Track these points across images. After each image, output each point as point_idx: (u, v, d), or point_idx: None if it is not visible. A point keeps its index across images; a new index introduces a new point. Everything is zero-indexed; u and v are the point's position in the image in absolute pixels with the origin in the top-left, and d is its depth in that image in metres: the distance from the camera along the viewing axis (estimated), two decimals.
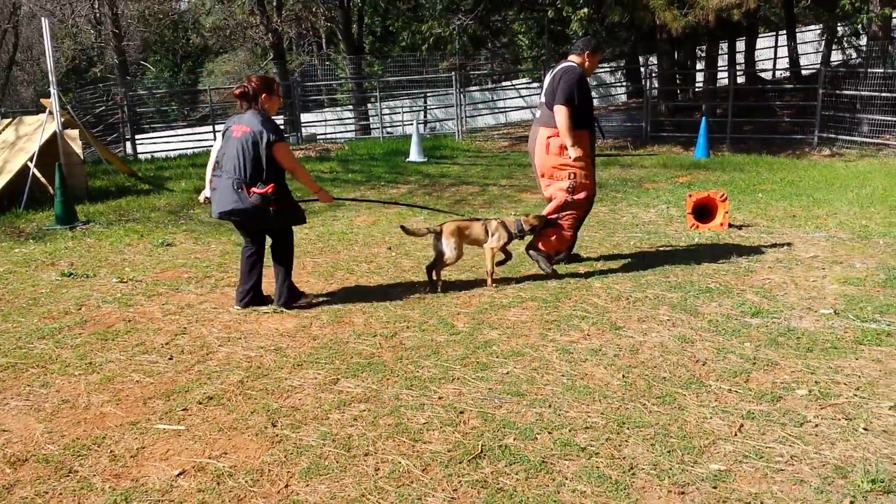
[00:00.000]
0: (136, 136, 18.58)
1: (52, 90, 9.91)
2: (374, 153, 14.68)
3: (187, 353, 4.29)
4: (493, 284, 5.43)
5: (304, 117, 20.18)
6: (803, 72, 20.07)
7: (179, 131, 21.69)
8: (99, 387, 3.83)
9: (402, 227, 5.54)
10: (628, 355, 4.03)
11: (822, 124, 14.25)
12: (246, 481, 2.86)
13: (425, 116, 21.56)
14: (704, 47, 19.29)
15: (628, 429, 3.17)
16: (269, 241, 5.13)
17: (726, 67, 19.52)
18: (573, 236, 5.90)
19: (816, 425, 3.17)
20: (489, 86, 24.54)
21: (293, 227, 5.17)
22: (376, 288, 5.59)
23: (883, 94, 13.33)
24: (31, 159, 9.79)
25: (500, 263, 5.72)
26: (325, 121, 22.01)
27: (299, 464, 2.97)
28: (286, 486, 2.82)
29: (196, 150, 16.85)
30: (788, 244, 6.44)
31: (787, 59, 21.01)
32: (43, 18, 10.49)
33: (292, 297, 5.13)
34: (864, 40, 17.88)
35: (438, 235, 5.35)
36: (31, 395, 3.76)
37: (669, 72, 18.52)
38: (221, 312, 5.06)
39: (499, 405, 3.45)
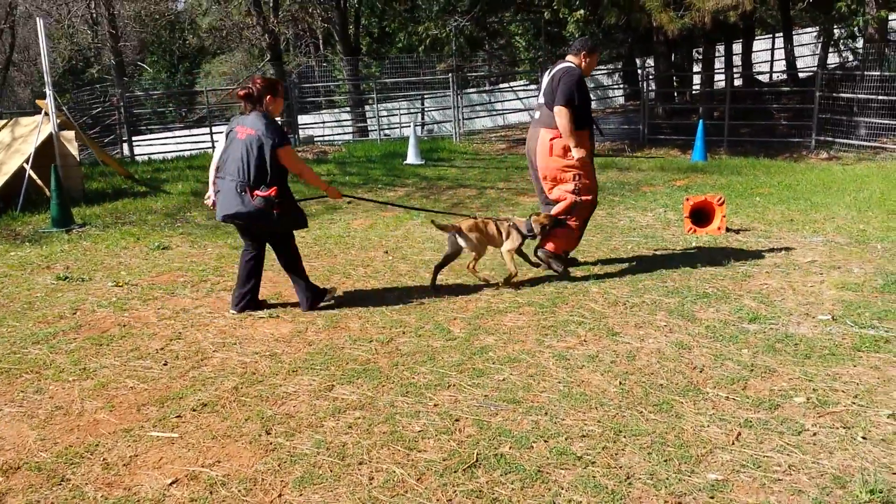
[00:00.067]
0: (133, 138, 18.53)
1: (48, 91, 9.87)
2: (371, 155, 14.66)
3: (182, 359, 4.26)
4: (514, 287, 5.47)
5: (302, 119, 20.14)
6: (800, 74, 20.09)
7: (177, 133, 21.64)
8: (93, 393, 3.80)
9: (433, 222, 5.52)
10: (625, 362, 4.01)
11: (820, 127, 14.26)
12: (239, 490, 2.84)
13: (422, 118, 21.55)
14: (701, 50, 19.31)
15: (625, 437, 3.16)
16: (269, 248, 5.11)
17: (723, 70, 19.54)
18: (580, 236, 5.91)
19: (814, 434, 3.15)
20: (486, 88, 24.54)
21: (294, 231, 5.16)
22: (373, 292, 5.57)
23: (880, 97, 13.34)
24: (27, 161, 9.76)
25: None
26: (323, 122, 21.98)
27: (293, 472, 2.95)
28: (279, 495, 2.80)
29: (193, 152, 16.81)
30: (786, 249, 6.44)
31: (783, 62, 21.06)
32: (38, 18, 10.46)
33: (315, 299, 5.12)
34: (860, 43, 17.90)
35: (459, 232, 5.36)
36: (25, 402, 3.73)
37: (666, 74, 18.53)
38: (217, 317, 5.04)
39: (495, 412, 3.43)
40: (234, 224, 5.03)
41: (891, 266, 5.73)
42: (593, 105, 6.31)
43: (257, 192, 4.68)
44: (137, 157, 17.29)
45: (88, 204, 9.77)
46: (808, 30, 23.80)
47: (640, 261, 6.24)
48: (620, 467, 2.92)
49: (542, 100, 5.71)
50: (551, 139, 5.58)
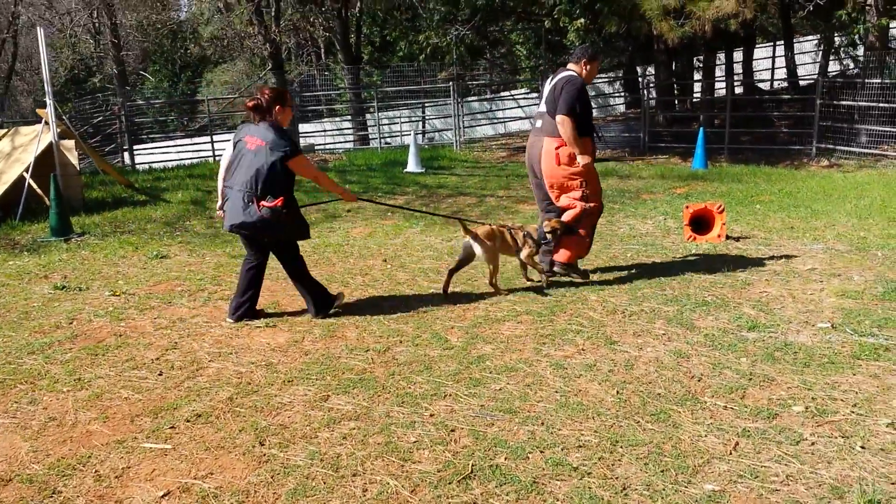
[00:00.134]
0: (135, 147, 18.56)
1: (49, 100, 9.89)
2: (371, 164, 14.66)
3: (177, 369, 4.24)
4: (545, 282, 5.66)
5: (303, 127, 20.18)
6: (801, 82, 20.09)
7: (178, 142, 21.67)
8: (87, 404, 3.78)
9: (463, 226, 5.48)
10: (623, 371, 3.98)
11: (820, 135, 14.24)
12: (231, 503, 2.81)
13: (423, 127, 21.56)
14: (702, 58, 19.32)
15: (622, 447, 3.12)
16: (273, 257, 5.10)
17: (724, 78, 19.55)
18: (590, 243, 5.93)
19: (813, 443, 3.12)
20: (487, 96, 24.57)
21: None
22: (370, 301, 5.54)
23: (880, 105, 13.32)
24: (27, 170, 9.76)
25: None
26: (324, 131, 22.01)
27: (286, 485, 2.92)
28: None
29: (194, 161, 16.82)
30: (786, 256, 6.41)
31: (784, 70, 21.05)
32: (38, 27, 10.49)
33: (323, 305, 5.12)
34: (861, 51, 17.90)
35: (475, 237, 5.37)
36: (19, 413, 3.71)
37: (667, 82, 18.53)
38: (213, 326, 5.01)
39: (491, 423, 3.40)
40: (239, 234, 5.02)
41: (891, 274, 5.70)
42: (594, 113, 6.32)
43: (264, 202, 4.68)
44: (138, 166, 17.31)
45: (88, 213, 9.76)
46: (809, 38, 23.82)
47: (639, 269, 6.22)
48: (617, 478, 2.89)
49: (543, 108, 5.71)
50: (556, 148, 5.58)
